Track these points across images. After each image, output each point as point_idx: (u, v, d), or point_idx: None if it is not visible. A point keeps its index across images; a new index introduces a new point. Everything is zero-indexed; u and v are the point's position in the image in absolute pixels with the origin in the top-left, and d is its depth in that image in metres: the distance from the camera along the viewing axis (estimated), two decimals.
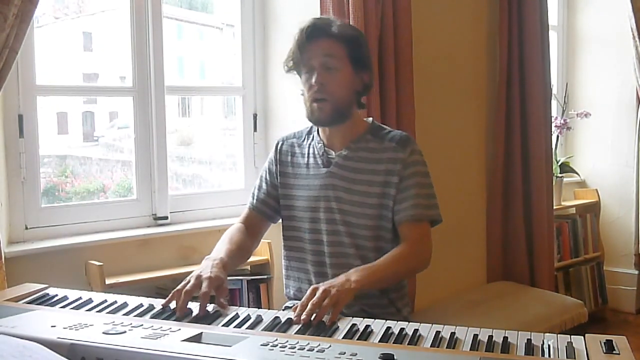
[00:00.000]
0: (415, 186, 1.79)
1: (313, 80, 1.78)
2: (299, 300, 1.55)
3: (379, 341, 1.31)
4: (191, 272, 2.38)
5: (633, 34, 3.83)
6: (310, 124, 1.94)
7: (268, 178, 1.98)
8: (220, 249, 1.78)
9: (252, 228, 1.96)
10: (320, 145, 1.90)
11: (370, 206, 1.81)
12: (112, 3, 2.74)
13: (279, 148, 1.99)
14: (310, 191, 1.88)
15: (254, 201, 2.00)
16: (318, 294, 1.49)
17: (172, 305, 1.50)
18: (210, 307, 1.50)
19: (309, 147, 1.93)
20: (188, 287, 1.53)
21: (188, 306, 1.49)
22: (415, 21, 2.74)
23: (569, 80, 4.37)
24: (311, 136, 1.95)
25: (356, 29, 1.97)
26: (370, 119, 1.96)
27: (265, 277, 2.51)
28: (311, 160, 1.91)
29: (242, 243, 1.87)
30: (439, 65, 3.11)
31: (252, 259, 2.57)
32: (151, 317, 1.43)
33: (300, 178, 1.91)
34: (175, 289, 1.53)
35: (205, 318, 1.44)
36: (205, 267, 1.63)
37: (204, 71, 3.21)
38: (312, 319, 1.42)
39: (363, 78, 1.86)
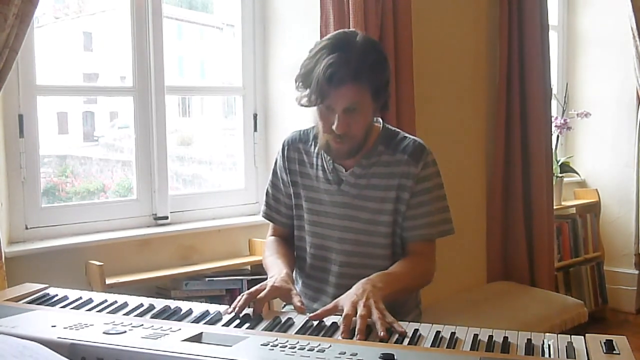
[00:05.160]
0: (426, 203, 1.71)
1: (334, 124, 1.63)
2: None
3: (379, 341, 1.30)
4: (191, 272, 2.43)
5: (633, 34, 3.83)
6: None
7: (282, 189, 1.88)
8: (278, 264, 1.74)
9: (286, 238, 1.92)
10: (329, 159, 1.77)
11: (384, 224, 1.73)
12: (112, 3, 2.74)
13: (286, 155, 1.86)
14: (320, 206, 1.79)
15: (275, 214, 1.90)
16: (360, 308, 1.41)
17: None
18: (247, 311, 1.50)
19: (317, 157, 1.81)
20: (252, 290, 1.55)
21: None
22: (415, 21, 2.74)
23: (569, 80, 4.36)
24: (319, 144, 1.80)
25: (381, 58, 1.67)
26: (381, 122, 1.81)
27: (266, 276, 2.49)
28: (320, 173, 1.79)
29: (289, 253, 1.85)
30: (439, 65, 3.11)
31: (251, 258, 2.59)
32: (151, 317, 1.43)
33: (309, 190, 1.82)
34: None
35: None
36: (272, 278, 1.64)
37: (204, 71, 3.21)
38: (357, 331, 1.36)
39: (381, 101, 1.71)
